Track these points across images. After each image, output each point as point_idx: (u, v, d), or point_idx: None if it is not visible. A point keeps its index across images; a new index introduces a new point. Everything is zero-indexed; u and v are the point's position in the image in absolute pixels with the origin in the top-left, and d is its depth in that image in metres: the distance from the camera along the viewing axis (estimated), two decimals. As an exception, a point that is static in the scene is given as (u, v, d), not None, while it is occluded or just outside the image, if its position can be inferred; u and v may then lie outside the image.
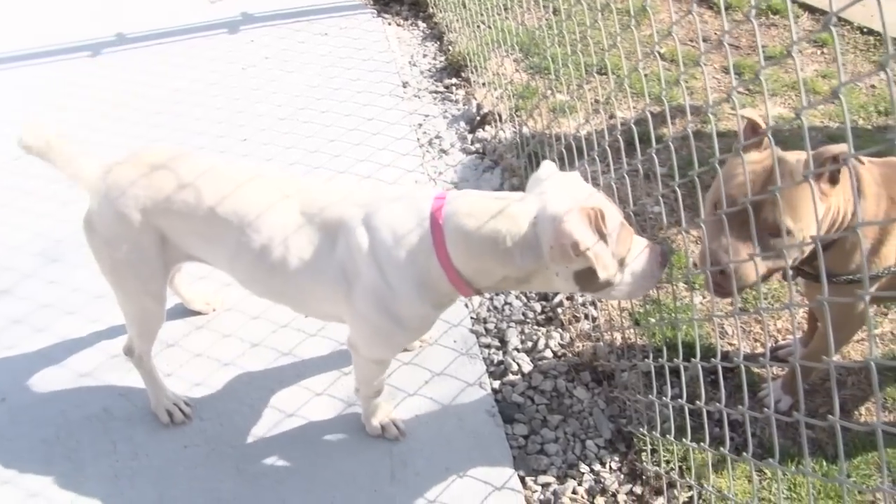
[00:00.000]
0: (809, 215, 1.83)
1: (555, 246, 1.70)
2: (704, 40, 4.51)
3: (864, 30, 4.33)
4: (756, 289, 1.98)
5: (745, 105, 3.77)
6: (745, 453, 1.75)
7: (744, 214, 1.64)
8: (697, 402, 1.98)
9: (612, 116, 3.53)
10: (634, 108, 2.27)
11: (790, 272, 1.82)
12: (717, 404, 1.86)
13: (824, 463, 2.31)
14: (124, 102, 4.09)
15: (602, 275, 1.71)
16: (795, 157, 1.92)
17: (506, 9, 4.35)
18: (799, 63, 4.01)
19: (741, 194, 1.74)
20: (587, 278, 1.75)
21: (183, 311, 2.85)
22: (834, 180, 1.87)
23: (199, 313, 2.85)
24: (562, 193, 1.78)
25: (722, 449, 1.87)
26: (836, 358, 1.35)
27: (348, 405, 2.51)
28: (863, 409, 2.48)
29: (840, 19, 4.38)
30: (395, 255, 1.87)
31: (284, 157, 3.64)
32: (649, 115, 2.04)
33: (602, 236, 1.70)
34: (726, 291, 1.91)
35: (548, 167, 1.91)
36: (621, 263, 1.80)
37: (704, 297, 2.87)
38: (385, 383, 2.40)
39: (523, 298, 2.94)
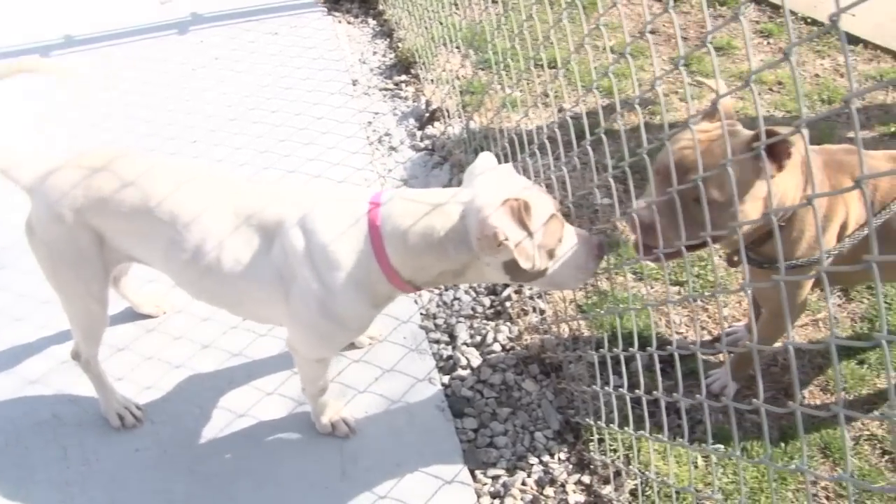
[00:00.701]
0: (746, 193, 1.83)
1: (480, 238, 1.75)
2: (653, 32, 4.56)
3: (809, 20, 4.40)
4: (685, 266, 1.98)
5: (694, 97, 3.82)
6: (679, 438, 1.78)
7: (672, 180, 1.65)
8: (637, 390, 2.02)
9: (560, 109, 3.56)
10: (583, 101, 2.30)
11: (744, 255, 1.74)
12: (656, 392, 1.89)
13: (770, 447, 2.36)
14: (72, 104, 4.04)
15: (524, 265, 1.75)
16: (745, 133, 1.91)
17: (455, 5, 4.36)
18: (746, 49, 4.07)
19: (675, 161, 1.72)
20: (516, 268, 1.78)
21: (133, 315, 2.83)
22: (779, 163, 1.84)
23: (149, 317, 2.84)
24: (491, 187, 1.81)
25: (660, 437, 1.90)
26: (783, 343, 1.35)
27: (299, 404, 2.52)
28: (806, 393, 2.53)
29: (780, 8, 4.45)
30: (332, 256, 1.88)
31: (234, 158, 3.62)
32: (600, 109, 2.07)
33: (525, 228, 1.74)
34: (653, 253, 1.86)
35: (484, 160, 1.95)
36: (551, 254, 1.84)
37: (652, 288, 2.91)
38: (334, 381, 2.41)
39: (472, 293, 2.96)
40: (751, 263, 2.13)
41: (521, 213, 1.73)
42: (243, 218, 1.98)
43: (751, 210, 1.87)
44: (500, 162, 2.00)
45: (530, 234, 1.75)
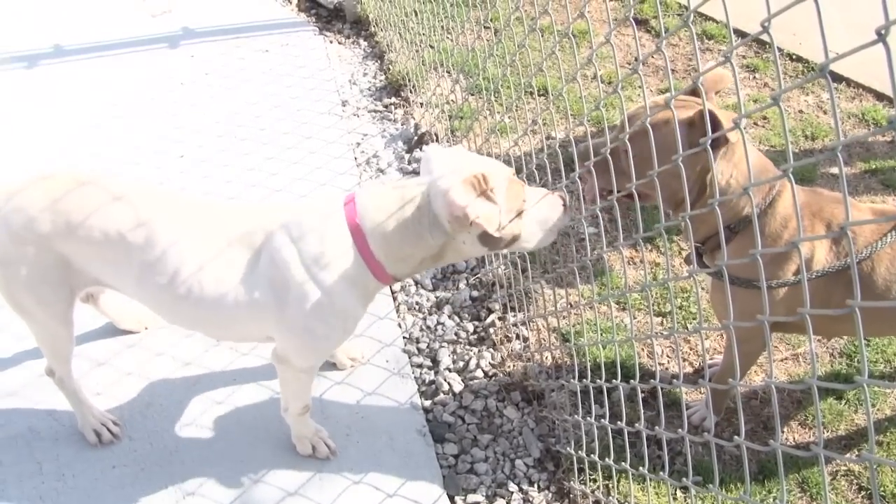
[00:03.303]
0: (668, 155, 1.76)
1: (451, 219, 1.82)
2: (644, 63, 4.62)
3: (794, 56, 4.46)
4: (670, 298, 2.00)
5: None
6: (661, 472, 1.79)
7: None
8: (619, 421, 2.03)
9: (548, 137, 3.59)
10: (571, 129, 2.33)
11: (693, 258, 1.99)
12: (638, 424, 1.91)
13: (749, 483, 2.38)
14: (60, 115, 4.03)
15: (496, 234, 1.84)
16: (690, 110, 1.95)
17: (446, 30, 4.40)
18: (731, 85, 4.12)
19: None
20: (491, 238, 1.88)
21: (114, 330, 2.81)
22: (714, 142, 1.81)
23: (130, 332, 2.82)
24: (447, 167, 1.89)
25: (641, 469, 1.91)
26: (765, 381, 1.34)
27: (279, 424, 2.51)
28: (785, 428, 2.55)
29: (766, 45, 4.52)
30: (324, 260, 1.93)
31: (221, 175, 3.62)
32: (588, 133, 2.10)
33: (488, 198, 1.82)
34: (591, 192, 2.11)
35: (431, 148, 2.05)
36: (519, 215, 1.92)
37: (635, 318, 2.93)
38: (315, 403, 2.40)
39: (456, 318, 2.97)
40: (709, 273, 2.13)
41: (481, 186, 1.82)
42: (223, 239, 2.01)
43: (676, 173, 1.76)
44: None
45: (495, 203, 1.83)
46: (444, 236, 1.90)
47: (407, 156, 3.79)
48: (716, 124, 1.70)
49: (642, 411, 1.91)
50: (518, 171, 2.57)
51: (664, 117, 1.87)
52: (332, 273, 1.94)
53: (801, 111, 4.09)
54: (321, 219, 1.96)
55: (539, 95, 3.87)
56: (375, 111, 4.17)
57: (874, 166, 3.66)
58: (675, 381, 1.70)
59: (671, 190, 1.94)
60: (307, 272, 1.94)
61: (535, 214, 1.96)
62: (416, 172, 3.70)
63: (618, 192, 1.91)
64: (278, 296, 1.97)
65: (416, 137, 3.86)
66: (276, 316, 2.01)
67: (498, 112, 3.36)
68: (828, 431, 2.53)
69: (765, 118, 4.00)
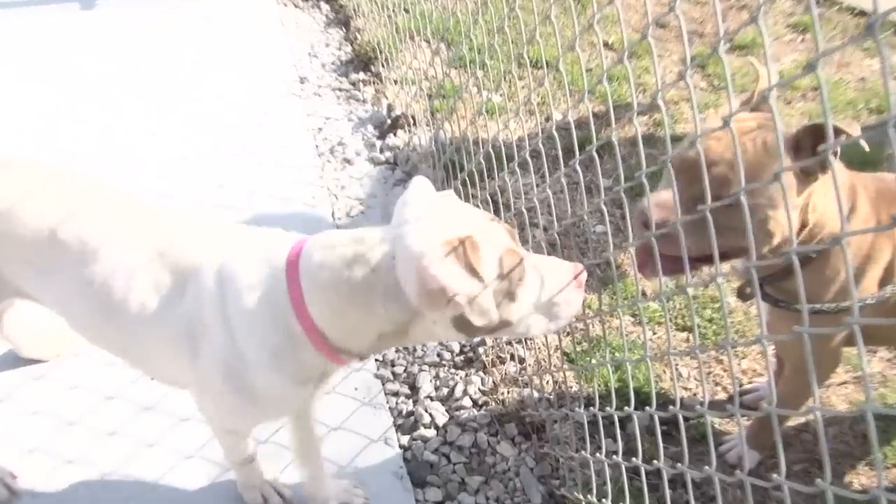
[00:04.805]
0: (780, 200, 1.81)
1: (421, 293, 1.61)
2: (662, 26, 4.62)
3: (856, 10, 4.44)
4: (690, 307, 1.97)
5: (710, 104, 3.85)
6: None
7: (691, 173, 1.68)
8: (635, 458, 2.01)
9: (548, 119, 3.59)
10: (574, 109, 2.31)
11: (757, 289, 1.69)
12: (656, 462, 1.88)
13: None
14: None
15: (479, 322, 1.65)
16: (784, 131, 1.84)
17: (424, -10, 4.39)
18: (773, 51, 4.11)
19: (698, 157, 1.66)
20: (469, 325, 1.68)
21: (16, 359, 2.78)
22: (808, 171, 1.84)
23: (37, 361, 2.78)
24: (425, 223, 1.70)
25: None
26: (814, 403, 1.30)
27: (224, 469, 2.48)
28: (846, 467, 2.54)
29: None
30: (245, 313, 1.80)
31: (153, 166, 3.60)
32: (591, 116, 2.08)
33: (475, 274, 1.63)
34: (651, 265, 1.88)
35: (417, 186, 1.83)
36: (512, 297, 1.72)
37: (654, 333, 2.92)
38: (268, 441, 2.37)
39: (389, 348, 2.95)
40: (767, 300, 2.11)
41: (467, 257, 1.62)
42: (158, 255, 1.93)
43: (783, 221, 1.84)
44: (474, 183, 1.97)
45: (482, 281, 1.64)
46: (404, 311, 1.69)
47: (378, 143, 3.79)
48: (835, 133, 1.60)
49: (661, 445, 1.88)
50: (510, 160, 2.57)
51: (755, 139, 1.82)
52: (252, 333, 1.80)
53: (862, 78, 4.07)
54: (258, 263, 1.81)
55: (535, 68, 3.86)
56: (340, 90, 4.16)
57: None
58: (699, 407, 1.67)
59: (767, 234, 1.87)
60: (226, 324, 1.81)
61: (535, 295, 1.77)
62: (389, 163, 3.69)
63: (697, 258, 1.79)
64: (195, 340, 1.88)
65: (389, 121, 3.85)
66: (189, 363, 1.93)
67: (486, 89, 3.34)
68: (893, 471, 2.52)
69: (815, 89, 3.98)
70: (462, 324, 1.67)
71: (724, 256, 1.82)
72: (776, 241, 1.90)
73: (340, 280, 1.71)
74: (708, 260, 1.84)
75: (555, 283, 1.80)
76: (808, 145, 1.78)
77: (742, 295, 2.17)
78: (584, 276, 1.84)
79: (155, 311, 1.91)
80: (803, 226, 1.94)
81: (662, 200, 1.87)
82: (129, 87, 4.11)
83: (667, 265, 1.83)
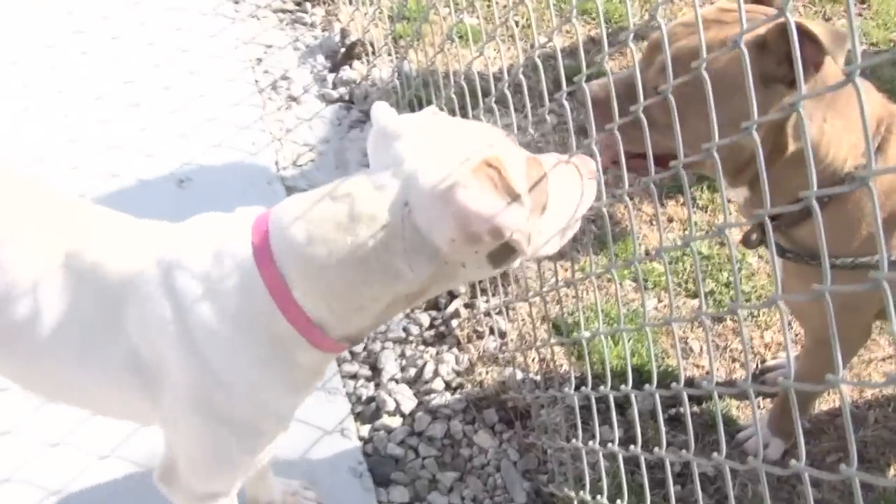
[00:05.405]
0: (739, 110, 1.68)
1: (457, 237, 1.59)
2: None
3: None
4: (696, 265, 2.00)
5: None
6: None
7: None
8: (633, 445, 2.03)
9: (533, 46, 3.60)
10: (560, 33, 2.32)
11: (771, 237, 1.64)
12: (657, 450, 1.91)
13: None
14: None
15: (527, 250, 1.65)
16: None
17: None
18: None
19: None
20: (505, 255, 1.68)
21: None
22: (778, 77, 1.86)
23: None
24: (434, 152, 1.65)
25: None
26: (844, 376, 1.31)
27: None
28: (893, 458, 2.61)
29: None
30: (213, 326, 1.72)
31: (55, 108, 3.59)
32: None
33: (513, 196, 1.59)
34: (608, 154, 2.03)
35: (384, 115, 1.76)
36: (541, 211, 1.73)
37: (660, 301, 2.97)
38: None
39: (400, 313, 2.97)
40: (788, 257, 2.11)
41: (504, 179, 1.59)
42: (74, 272, 1.80)
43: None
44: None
45: (523, 204, 1.62)
46: (431, 264, 1.65)
47: (330, 76, 3.79)
48: (807, 39, 1.66)
49: (663, 430, 1.92)
50: (486, 94, 2.59)
51: (717, 38, 1.83)
52: (230, 353, 1.72)
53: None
54: (214, 259, 1.73)
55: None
56: (284, 11, 4.15)
57: None
58: (705, 384, 1.71)
59: (731, 152, 1.87)
60: (193, 348, 1.72)
61: (558, 202, 1.77)
62: (343, 100, 3.70)
63: (656, 157, 1.80)
64: (152, 376, 1.79)
65: (343, 50, 3.85)
66: (148, 402, 1.84)
67: (458, 8, 3.35)
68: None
69: (863, 2, 4.00)
70: (501, 257, 1.68)
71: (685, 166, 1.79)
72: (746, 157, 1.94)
73: (343, 251, 1.63)
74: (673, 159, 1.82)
75: (573, 185, 1.81)
76: (780, 50, 1.79)
77: (747, 242, 2.19)
78: (593, 165, 1.85)
79: (84, 345, 1.79)
80: (777, 149, 1.97)
81: (604, 83, 1.94)
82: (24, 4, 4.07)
83: (633, 163, 1.94)
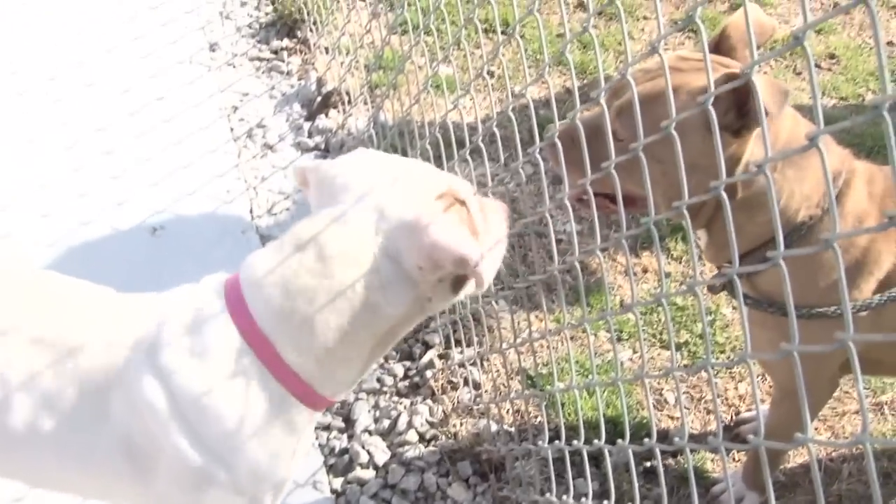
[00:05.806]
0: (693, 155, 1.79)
1: (425, 266, 1.63)
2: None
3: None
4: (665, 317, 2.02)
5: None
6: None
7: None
8: (606, 502, 2.04)
9: (513, 94, 3.62)
10: (537, 83, 2.34)
11: (741, 295, 1.66)
12: (631, 504, 1.93)
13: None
14: None
15: (489, 277, 1.71)
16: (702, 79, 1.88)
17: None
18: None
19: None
20: (462, 283, 1.74)
21: None
22: (744, 124, 1.89)
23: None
24: (391, 186, 1.71)
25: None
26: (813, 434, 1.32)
27: None
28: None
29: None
30: (208, 403, 1.69)
31: (26, 156, 3.59)
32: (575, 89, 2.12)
33: (475, 232, 1.71)
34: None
35: (311, 163, 1.83)
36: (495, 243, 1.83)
37: (635, 352, 2.97)
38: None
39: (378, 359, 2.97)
40: (751, 305, 2.14)
41: (470, 217, 1.72)
42: (54, 364, 1.75)
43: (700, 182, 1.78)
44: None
45: (481, 238, 1.73)
46: (407, 295, 1.69)
47: (306, 125, 3.80)
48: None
49: (637, 486, 1.93)
50: (461, 145, 2.60)
51: (673, 86, 1.86)
52: (228, 429, 1.70)
53: (890, 42, 4.13)
54: (194, 335, 1.71)
55: (490, 33, 3.90)
56: (260, 59, 4.17)
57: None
58: (677, 440, 1.73)
59: (674, 191, 1.82)
60: (183, 430, 1.69)
61: (493, 235, 1.83)
62: (319, 149, 3.71)
63: (596, 192, 1.91)
64: (144, 464, 1.77)
65: (319, 98, 3.87)
66: (140, 486, 1.81)
67: (434, 59, 3.37)
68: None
69: (832, 56, 4.05)
70: (458, 286, 1.73)
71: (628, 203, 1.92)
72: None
73: (322, 297, 1.64)
74: (641, 201, 1.91)
75: (499, 219, 1.88)
76: (728, 99, 1.81)
77: (712, 287, 2.23)
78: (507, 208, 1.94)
79: (64, 433, 1.76)
80: (728, 195, 1.99)
81: (569, 128, 1.98)
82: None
83: (602, 202, 2.03)
